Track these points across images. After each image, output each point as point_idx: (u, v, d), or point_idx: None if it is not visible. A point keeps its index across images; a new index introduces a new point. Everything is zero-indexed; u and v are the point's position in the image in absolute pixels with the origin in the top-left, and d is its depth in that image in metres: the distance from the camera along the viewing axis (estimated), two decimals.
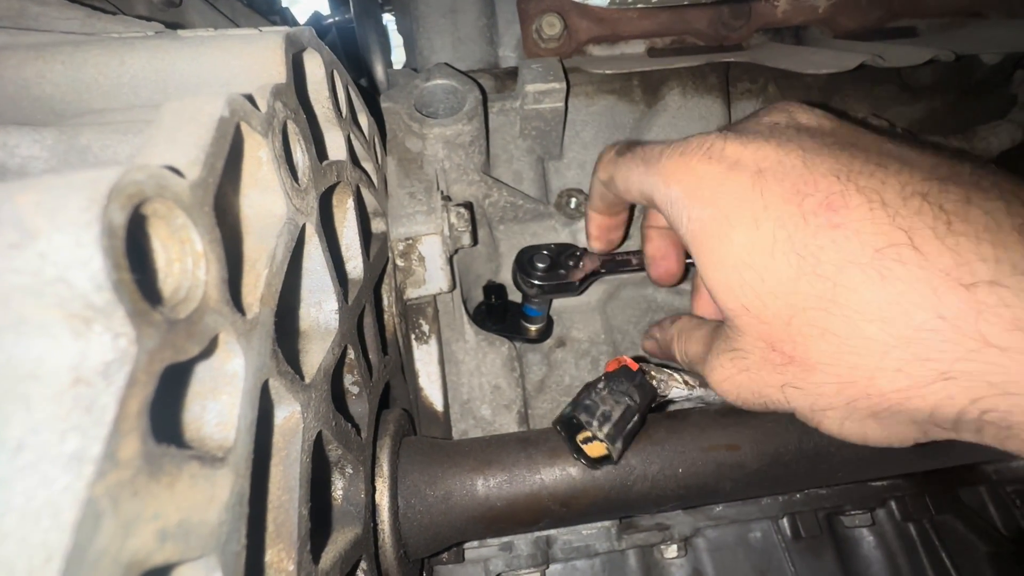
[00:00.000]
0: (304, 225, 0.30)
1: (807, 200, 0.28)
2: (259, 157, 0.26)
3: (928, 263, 0.24)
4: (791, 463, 0.43)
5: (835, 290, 0.26)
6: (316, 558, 0.27)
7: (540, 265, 0.51)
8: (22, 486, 0.13)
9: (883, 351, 0.26)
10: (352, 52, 0.99)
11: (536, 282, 0.51)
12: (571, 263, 0.52)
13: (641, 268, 0.54)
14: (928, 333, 0.25)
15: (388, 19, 1.18)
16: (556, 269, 0.52)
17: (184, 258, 0.19)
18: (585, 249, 0.54)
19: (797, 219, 0.28)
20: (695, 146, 0.33)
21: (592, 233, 0.51)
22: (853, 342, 0.26)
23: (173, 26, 0.43)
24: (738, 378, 0.33)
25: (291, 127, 0.29)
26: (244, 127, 0.24)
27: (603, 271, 0.53)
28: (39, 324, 0.14)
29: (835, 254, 0.26)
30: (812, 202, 0.27)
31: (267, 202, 0.27)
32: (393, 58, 1.18)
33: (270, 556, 0.24)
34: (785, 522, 0.62)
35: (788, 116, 0.33)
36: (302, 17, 1.30)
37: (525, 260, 0.52)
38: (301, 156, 0.30)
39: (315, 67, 0.36)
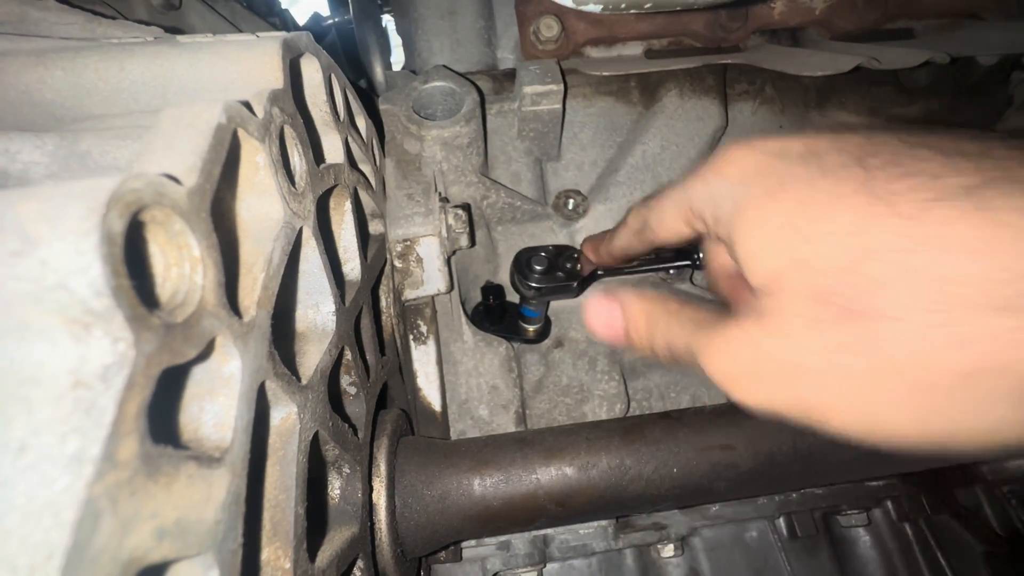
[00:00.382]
0: (301, 228, 0.30)
1: (870, 160, 0.24)
2: (256, 162, 0.26)
3: None
4: (786, 463, 0.44)
5: (922, 227, 0.22)
6: (312, 556, 0.28)
7: (538, 267, 0.52)
8: (24, 486, 0.14)
9: (988, 289, 0.21)
10: (351, 53, 0.99)
11: (534, 284, 0.52)
12: (569, 265, 0.52)
13: (639, 270, 0.54)
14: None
15: (388, 20, 1.18)
16: (554, 271, 0.52)
17: (182, 263, 0.19)
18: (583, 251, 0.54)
19: (861, 175, 0.24)
20: (731, 149, 0.29)
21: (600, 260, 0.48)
22: (951, 284, 0.21)
23: (173, 30, 0.43)
24: (759, 352, 0.25)
25: (288, 132, 0.30)
26: (241, 133, 0.24)
27: (601, 273, 0.54)
28: (40, 329, 0.15)
29: (915, 195, 0.22)
30: (877, 161, 0.24)
31: (264, 206, 0.27)
32: (393, 58, 1.18)
33: (267, 554, 0.24)
34: (781, 522, 0.62)
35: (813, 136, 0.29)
36: (302, 18, 1.31)
37: (523, 262, 0.53)
38: (298, 160, 0.31)
39: (313, 71, 0.37)
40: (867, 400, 0.23)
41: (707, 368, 0.27)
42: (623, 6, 0.43)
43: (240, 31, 0.76)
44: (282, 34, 0.33)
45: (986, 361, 0.21)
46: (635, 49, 0.72)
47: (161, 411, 0.18)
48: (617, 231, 0.42)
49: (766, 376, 0.25)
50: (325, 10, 1.33)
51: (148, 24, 0.42)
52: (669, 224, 0.34)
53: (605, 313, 0.33)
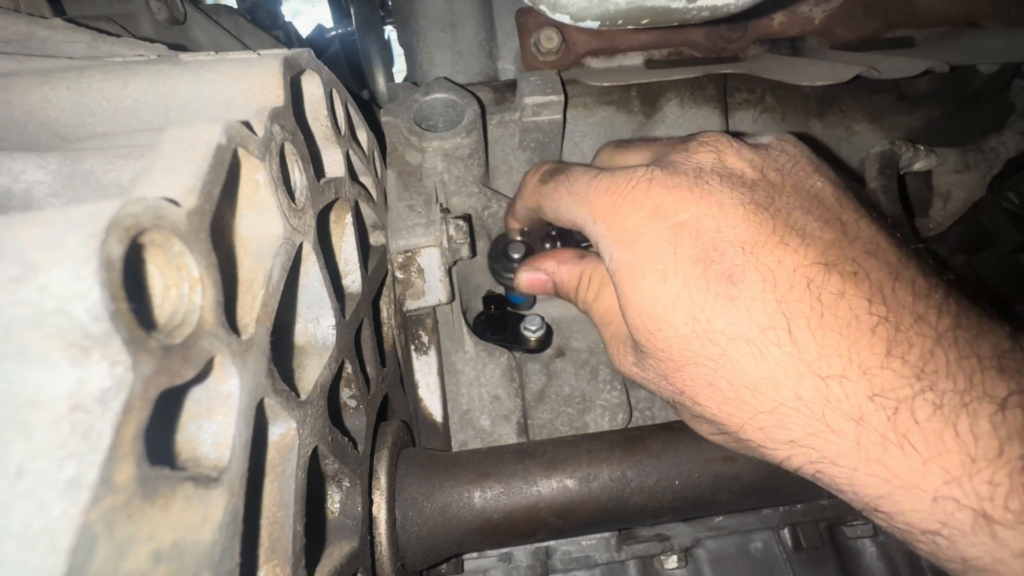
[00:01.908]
0: (301, 244, 0.31)
1: (712, 267, 0.31)
2: (256, 180, 0.26)
3: (798, 351, 0.29)
4: (788, 475, 0.43)
5: (723, 356, 0.31)
6: (311, 573, 0.28)
7: (515, 255, 0.49)
8: (20, 512, 0.14)
9: (752, 413, 0.31)
10: (355, 63, 1.00)
11: (511, 275, 0.49)
12: (548, 246, 0.49)
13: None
14: (788, 409, 0.29)
15: (390, 31, 1.19)
16: (520, 267, 0.48)
17: (180, 284, 0.19)
18: (560, 231, 0.51)
19: (701, 284, 0.31)
20: (622, 183, 0.35)
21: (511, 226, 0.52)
22: (732, 399, 0.31)
23: (177, 46, 0.44)
24: (636, 372, 0.37)
25: (288, 148, 0.30)
26: (241, 152, 0.25)
27: (585, 244, 0.50)
28: (39, 353, 0.15)
29: (727, 325, 0.30)
30: (716, 270, 0.31)
31: (264, 223, 0.27)
32: (396, 67, 1.19)
33: (264, 573, 0.24)
34: (786, 533, 0.62)
35: (717, 157, 0.35)
36: (306, 29, 1.32)
37: (499, 251, 0.51)
38: (299, 176, 0.31)
39: (314, 87, 0.37)
40: (695, 428, 0.38)
41: (608, 348, 0.41)
42: (620, 22, 0.43)
43: (244, 44, 0.77)
44: (283, 51, 0.33)
45: (748, 446, 0.33)
46: (635, 59, 0.72)
47: (159, 432, 0.18)
48: (516, 201, 0.49)
49: (639, 381, 0.38)
50: (329, 22, 1.35)
51: (153, 41, 0.42)
52: (562, 221, 0.41)
53: (534, 279, 0.45)
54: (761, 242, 0.31)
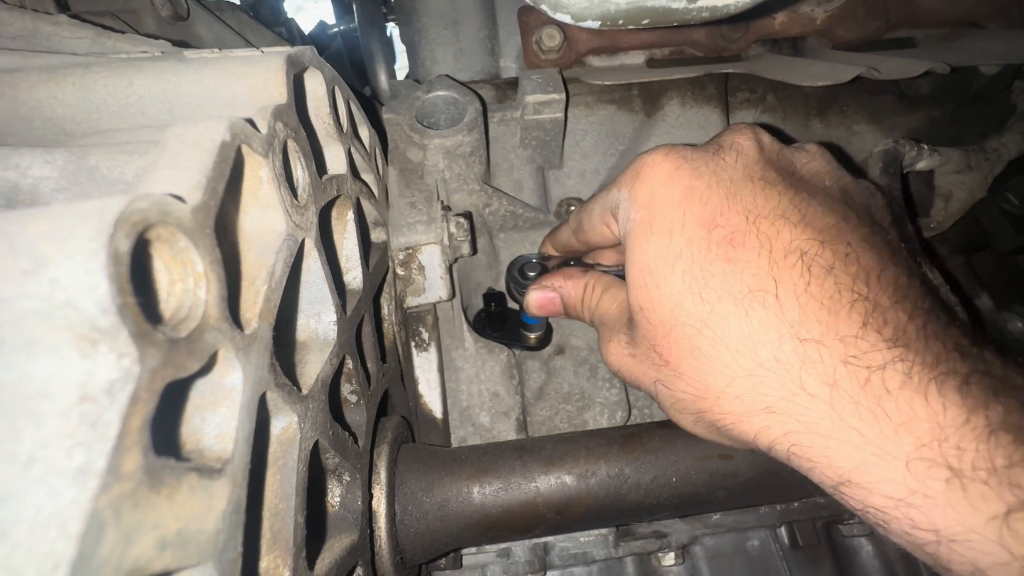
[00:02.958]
0: (304, 240, 0.31)
1: (716, 230, 0.33)
2: (259, 176, 0.27)
3: (781, 314, 0.30)
4: (784, 473, 0.43)
5: (710, 315, 0.32)
6: (311, 564, 0.28)
7: (531, 274, 0.52)
8: (32, 498, 0.14)
9: (731, 378, 0.31)
10: (357, 60, 1.00)
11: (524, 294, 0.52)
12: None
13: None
14: (765, 371, 0.30)
15: (392, 28, 1.19)
16: (529, 288, 0.52)
17: (186, 279, 0.20)
18: (576, 258, 0.54)
19: (703, 244, 0.33)
20: (647, 156, 0.37)
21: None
22: (712, 363, 0.32)
23: (180, 42, 0.44)
24: (625, 359, 0.38)
25: (291, 145, 0.30)
26: (245, 149, 0.25)
27: (572, 263, 0.53)
28: (49, 345, 0.15)
29: (720, 284, 0.32)
30: (719, 233, 0.33)
31: (267, 219, 0.28)
32: (398, 64, 1.19)
33: (266, 563, 0.25)
34: (783, 531, 0.62)
35: (739, 139, 0.37)
36: (308, 25, 1.32)
37: (516, 270, 0.53)
38: (301, 173, 0.32)
39: (316, 85, 0.37)
40: (673, 415, 0.38)
41: (601, 346, 0.41)
42: (620, 22, 0.43)
43: (247, 40, 0.78)
44: (286, 49, 0.34)
45: (721, 424, 0.33)
46: (637, 58, 0.72)
47: (164, 423, 0.18)
48: (560, 227, 0.50)
49: (625, 372, 0.39)
50: (331, 18, 1.35)
51: (156, 37, 0.43)
52: (596, 224, 0.42)
53: (543, 299, 0.47)
54: (764, 214, 0.33)
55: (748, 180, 0.34)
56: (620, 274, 0.46)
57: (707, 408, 0.33)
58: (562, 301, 0.46)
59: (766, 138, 0.38)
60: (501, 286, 0.67)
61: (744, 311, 0.31)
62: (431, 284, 0.53)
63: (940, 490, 0.26)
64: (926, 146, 0.63)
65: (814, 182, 0.36)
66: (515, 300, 0.55)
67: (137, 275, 0.17)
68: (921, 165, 0.64)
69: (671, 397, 0.36)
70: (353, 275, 0.42)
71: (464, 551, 0.54)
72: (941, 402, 0.27)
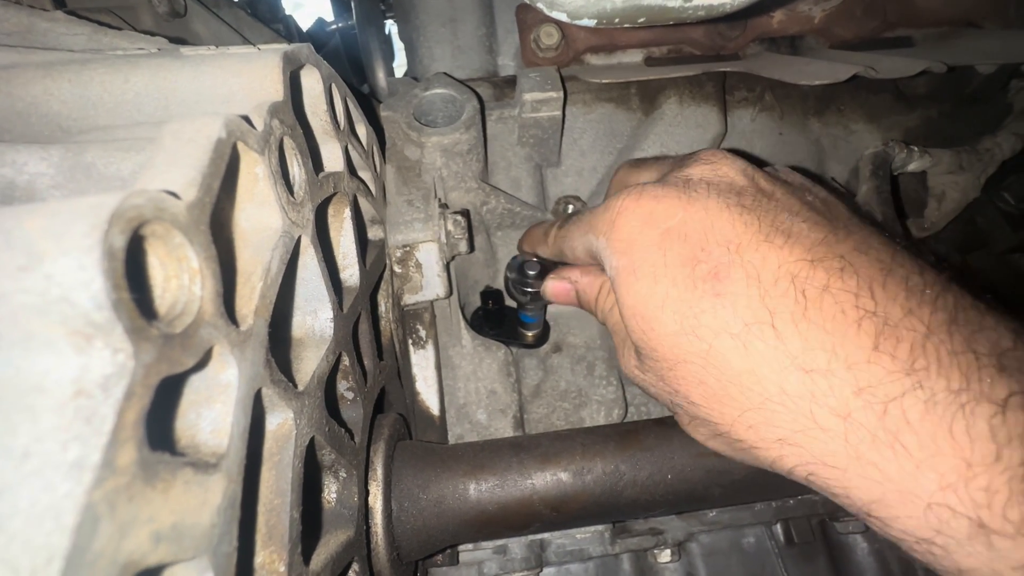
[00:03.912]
0: (300, 237, 0.31)
1: (699, 267, 0.32)
2: (255, 173, 0.27)
3: (782, 345, 0.29)
4: None
5: (709, 352, 0.31)
6: (307, 560, 0.28)
7: (531, 272, 0.52)
8: (27, 491, 0.14)
9: (741, 409, 0.31)
10: (355, 57, 1.00)
11: (528, 289, 0.52)
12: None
13: None
14: (775, 405, 0.29)
15: (391, 24, 1.19)
16: (547, 276, 0.52)
17: (181, 275, 0.20)
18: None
19: (688, 282, 0.32)
20: (618, 201, 0.37)
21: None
22: (720, 396, 0.31)
23: (177, 39, 0.44)
24: (638, 374, 0.39)
25: (288, 143, 0.30)
26: (241, 146, 0.25)
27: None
28: (45, 340, 0.16)
29: (713, 321, 0.31)
30: (703, 269, 0.32)
31: (263, 216, 0.28)
32: (397, 60, 1.19)
33: (262, 558, 0.25)
34: (778, 528, 0.63)
35: (710, 168, 0.36)
36: (306, 22, 1.32)
37: (516, 268, 0.53)
38: (297, 170, 0.32)
39: (313, 82, 0.37)
40: (691, 431, 0.39)
41: (619, 355, 0.42)
42: (616, 21, 0.44)
43: (244, 37, 0.77)
44: (283, 47, 0.34)
45: (739, 447, 0.33)
46: (635, 56, 0.72)
47: (159, 418, 0.19)
48: (535, 234, 0.51)
49: (643, 385, 0.39)
50: (329, 15, 1.35)
51: (153, 34, 0.43)
52: (580, 257, 0.43)
53: (560, 288, 0.47)
54: (746, 241, 0.31)
55: (724, 209, 0.33)
56: None
57: (723, 431, 0.33)
58: (577, 295, 0.47)
59: (738, 163, 0.36)
60: (499, 284, 0.67)
61: (743, 345, 0.30)
62: (428, 282, 0.53)
63: (964, 538, 0.24)
64: (916, 148, 0.63)
65: (794, 199, 0.35)
66: (513, 298, 0.55)
67: (132, 271, 0.17)
68: (912, 166, 0.64)
69: (685, 416, 0.37)
70: (350, 272, 0.42)
71: (460, 547, 0.54)
72: (968, 435, 0.24)
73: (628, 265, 0.35)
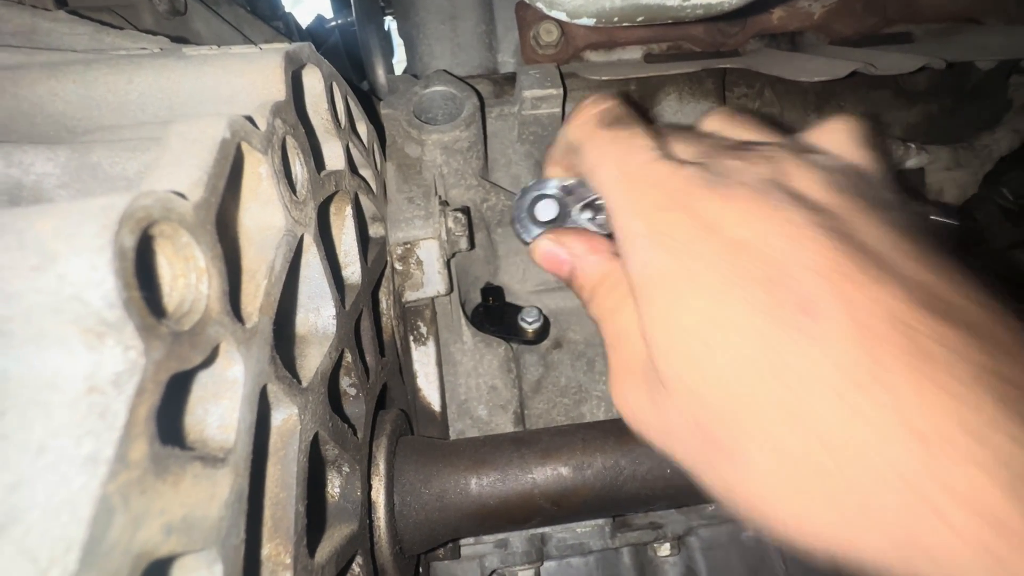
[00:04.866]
0: (303, 235, 0.31)
1: (781, 294, 0.25)
2: (259, 173, 0.27)
3: (901, 412, 0.22)
4: None
5: (799, 405, 0.23)
6: (312, 552, 0.29)
7: (543, 219, 0.38)
8: (43, 485, 0.15)
9: (833, 492, 0.23)
10: (355, 54, 1.00)
11: (529, 236, 0.38)
12: (587, 216, 0.37)
13: None
14: (885, 491, 0.22)
15: (391, 21, 1.19)
16: (563, 222, 0.38)
17: (188, 274, 0.20)
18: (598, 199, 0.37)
19: (767, 309, 0.24)
20: (678, 181, 0.29)
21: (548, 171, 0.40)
22: (803, 467, 0.23)
23: (178, 38, 0.44)
24: (649, 414, 0.29)
25: (290, 142, 0.31)
26: (244, 146, 0.25)
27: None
28: (58, 338, 0.16)
29: (801, 365, 0.23)
30: (787, 299, 0.24)
31: (267, 215, 0.28)
32: (397, 58, 1.19)
33: (268, 550, 0.25)
34: None
35: (779, 169, 0.28)
36: (305, 19, 1.32)
37: (527, 206, 0.38)
38: (300, 169, 0.32)
39: (314, 81, 0.38)
40: (726, 501, 0.26)
41: (611, 381, 0.33)
42: (615, 19, 0.44)
43: (243, 35, 0.77)
44: (284, 46, 0.34)
45: (801, 539, 0.24)
46: (634, 53, 0.72)
47: (169, 414, 0.19)
48: (560, 135, 0.38)
49: (643, 427, 0.30)
50: (328, 12, 1.35)
51: (155, 33, 0.43)
52: (592, 181, 0.34)
53: (552, 256, 0.36)
54: (840, 273, 0.24)
55: (807, 227, 0.25)
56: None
57: (781, 520, 0.24)
58: (570, 271, 0.36)
59: (802, 164, 0.28)
60: (499, 280, 0.67)
61: (851, 409, 0.22)
62: (429, 279, 0.53)
63: None
64: (913, 145, 0.63)
65: (877, 212, 0.27)
66: (518, 236, 0.40)
67: (141, 270, 0.17)
68: (910, 164, 0.64)
69: (722, 485, 0.26)
70: (352, 270, 0.43)
71: (462, 541, 0.55)
72: None
73: (679, 270, 0.27)
